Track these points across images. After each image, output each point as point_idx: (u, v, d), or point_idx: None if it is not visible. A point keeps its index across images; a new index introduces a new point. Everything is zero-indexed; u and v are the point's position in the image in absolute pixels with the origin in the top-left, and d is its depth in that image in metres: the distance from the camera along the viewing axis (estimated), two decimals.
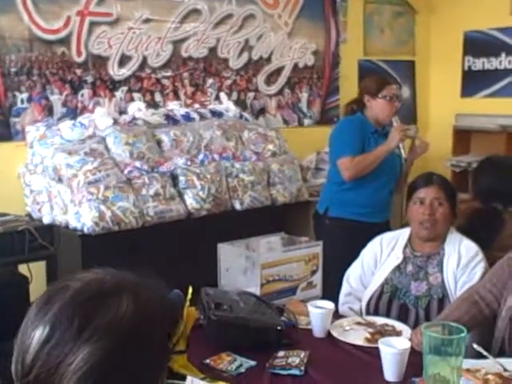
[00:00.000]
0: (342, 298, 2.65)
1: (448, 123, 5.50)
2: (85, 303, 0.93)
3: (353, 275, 2.66)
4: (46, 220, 3.67)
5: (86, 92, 4.08)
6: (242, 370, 1.98)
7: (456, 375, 1.61)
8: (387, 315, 2.47)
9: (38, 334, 0.91)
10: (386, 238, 2.65)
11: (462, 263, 2.48)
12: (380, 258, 2.61)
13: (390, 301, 2.54)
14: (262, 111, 4.94)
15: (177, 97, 4.48)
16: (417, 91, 5.86)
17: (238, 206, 4.08)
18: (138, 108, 4.18)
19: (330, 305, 2.29)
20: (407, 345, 1.95)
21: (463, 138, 5.50)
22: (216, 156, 4.10)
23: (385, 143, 3.29)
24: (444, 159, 5.31)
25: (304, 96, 5.16)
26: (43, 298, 0.95)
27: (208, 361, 2.03)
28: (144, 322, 0.95)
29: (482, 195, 2.96)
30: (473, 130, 5.43)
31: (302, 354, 2.05)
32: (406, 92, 5.77)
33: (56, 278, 3.19)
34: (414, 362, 1.97)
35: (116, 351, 0.90)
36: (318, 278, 2.65)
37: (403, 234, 2.62)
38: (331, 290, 2.69)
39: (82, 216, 3.53)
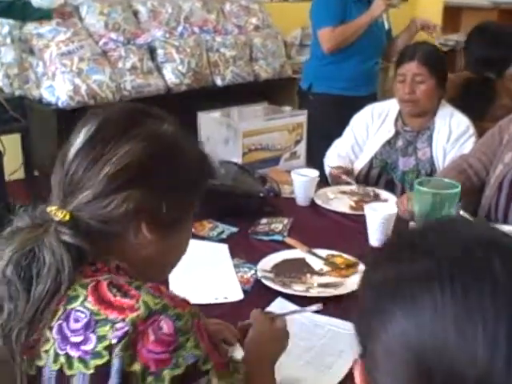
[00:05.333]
0: (328, 158, 2.57)
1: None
2: (132, 112, 0.98)
3: (343, 144, 2.57)
4: (18, 94, 3.51)
5: None
6: (224, 236, 1.93)
7: None
8: None
9: (85, 130, 0.94)
10: (377, 108, 2.53)
11: (452, 138, 2.40)
12: (371, 129, 2.51)
13: (379, 175, 2.48)
14: None
15: None
16: None
17: (219, 82, 3.94)
18: None
19: (314, 173, 2.21)
20: (393, 210, 1.90)
21: (453, 15, 5.31)
22: (196, 29, 3.91)
23: (367, 12, 3.09)
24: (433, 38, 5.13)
25: None
26: (87, 115, 0.97)
27: None
28: (183, 146, 0.99)
29: (473, 64, 2.83)
30: (463, 7, 5.23)
31: (285, 221, 2.00)
32: None
33: (31, 152, 3.09)
34: (400, 229, 1.93)
35: (154, 158, 0.93)
36: (301, 149, 2.56)
37: (393, 105, 2.51)
38: (317, 166, 2.61)
39: (56, 89, 3.38)
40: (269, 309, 1.53)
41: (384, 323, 0.60)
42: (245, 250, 1.82)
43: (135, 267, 0.96)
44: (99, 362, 0.84)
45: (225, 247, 1.80)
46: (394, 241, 0.69)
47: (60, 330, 0.87)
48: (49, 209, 0.93)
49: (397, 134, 2.46)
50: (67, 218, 0.91)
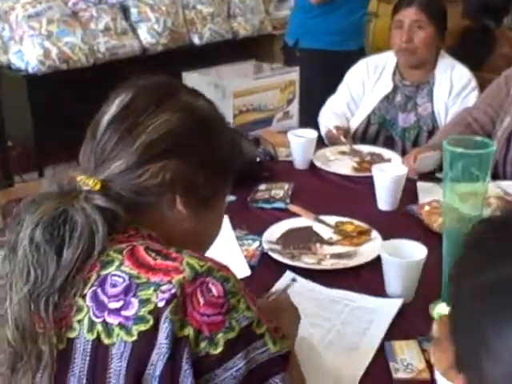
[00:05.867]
0: (323, 117, 2.42)
1: None
2: (167, 85, 0.96)
3: (338, 102, 2.42)
4: None
5: None
6: None
7: (481, 204, 1.35)
8: None
9: (119, 100, 0.90)
10: (372, 62, 2.38)
11: (453, 92, 2.26)
12: (368, 84, 2.36)
13: (378, 133, 2.35)
14: None
15: None
16: None
17: (196, 41, 3.76)
18: None
19: (312, 133, 2.07)
20: (403, 171, 1.77)
21: None
22: None
23: None
24: None
25: None
26: (120, 87, 0.93)
27: None
28: (218, 122, 0.96)
29: (472, 11, 2.69)
30: None
31: (286, 187, 1.86)
32: None
33: (2, 121, 2.91)
34: (408, 190, 1.81)
35: (190, 130, 0.90)
36: (294, 108, 2.41)
37: (389, 58, 2.36)
38: (308, 126, 2.47)
39: (25, 54, 3.18)
40: (278, 284, 1.41)
41: (509, 335, 0.46)
42: (246, 220, 1.68)
43: (167, 243, 0.88)
44: (143, 327, 0.77)
45: (225, 218, 1.65)
46: (503, 228, 0.54)
47: (95, 297, 0.81)
48: (78, 178, 0.88)
49: (395, 88, 2.32)
50: (98, 187, 0.86)
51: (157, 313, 0.77)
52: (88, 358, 0.80)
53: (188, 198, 0.90)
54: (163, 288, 0.78)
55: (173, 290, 0.78)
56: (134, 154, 0.86)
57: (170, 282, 0.78)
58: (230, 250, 1.52)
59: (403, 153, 2.22)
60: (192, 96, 0.94)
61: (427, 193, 1.86)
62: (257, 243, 1.56)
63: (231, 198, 1.82)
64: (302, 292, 1.39)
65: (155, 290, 0.78)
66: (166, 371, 0.76)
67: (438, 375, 1.05)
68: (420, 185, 1.90)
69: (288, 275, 1.44)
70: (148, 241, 0.87)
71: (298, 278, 1.43)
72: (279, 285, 1.38)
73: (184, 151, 0.89)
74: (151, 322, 0.77)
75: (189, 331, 0.77)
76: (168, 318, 0.76)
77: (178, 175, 0.88)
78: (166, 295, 0.77)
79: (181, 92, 0.94)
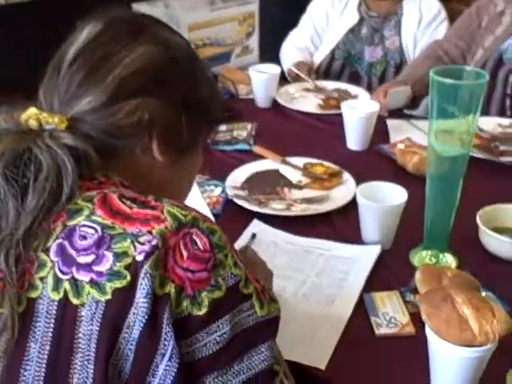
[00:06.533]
0: (284, 52, 2.29)
1: None
2: (142, 17, 0.87)
3: (300, 35, 2.27)
4: None
5: None
6: None
7: (469, 142, 1.22)
8: None
9: (88, 30, 0.79)
10: None
11: (422, 23, 2.16)
12: (332, 16, 2.22)
13: (342, 68, 2.22)
14: None
15: None
16: None
17: None
18: None
19: (274, 69, 1.93)
20: (375, 107, 1.65)
21: None
22: None
23: None
24: None
25: None
26: (88, 17, 0.82)
27: None
28: (197, 60, 0.87)
29: None
30: None
31: (249, 127, 1.73)
32: None
33: None
34: (377, 128, 1.70)
35: (169, 65, 0.81)
36: (254, 42, 2.25)
37: None
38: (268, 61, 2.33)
39: None
40: (245, 234, 1.30)
41: None
42: (207, 163, 1.53)
43: (140, 193, 0.77)
44: (119, 284, 0.67)
45: None
46: None
47: (61, 251, 0.70)
48: (41, 115, 0.76)
49: (361, 20, 2.19)
50: (64, 125, 0.75)
51: (135, 267, 0.67)
52: (53, 321, 0.69)
53: (165, 144, 0.80)
54: (142, 239, 0.68)
55: (153, 242, 0.68)
56: (106, 90, 0.76)
57: (149, 232, 0.69)
58: (190, 196, 1.39)
59: (369, 89, 2.11)
60: (168, 32, 0.85)
61: (398, 131, 1.76)
62: (220, 189, 1.43)
63: None
64: (271, 242, 1.28)
65: (132, 242, 0.68)
66: (144, 333, 0.67)
67: (429, 332, 0.96)
68: (390, 122, 1.80)
69: (255, 224, 1.33)
70: (121, 188, 0.77)
71: (267, 226, 1.32)
72: (242, 239, 1.27)
73: (162, 88, 0.79)
74: (128, 278, 0.67)
75: (170, 288, 0.68)
76: (148, 274, 0.67)
77: (156, 115, 0.78)
78: (146, 247, 0.68)
79: (157, 26, 0.84)
